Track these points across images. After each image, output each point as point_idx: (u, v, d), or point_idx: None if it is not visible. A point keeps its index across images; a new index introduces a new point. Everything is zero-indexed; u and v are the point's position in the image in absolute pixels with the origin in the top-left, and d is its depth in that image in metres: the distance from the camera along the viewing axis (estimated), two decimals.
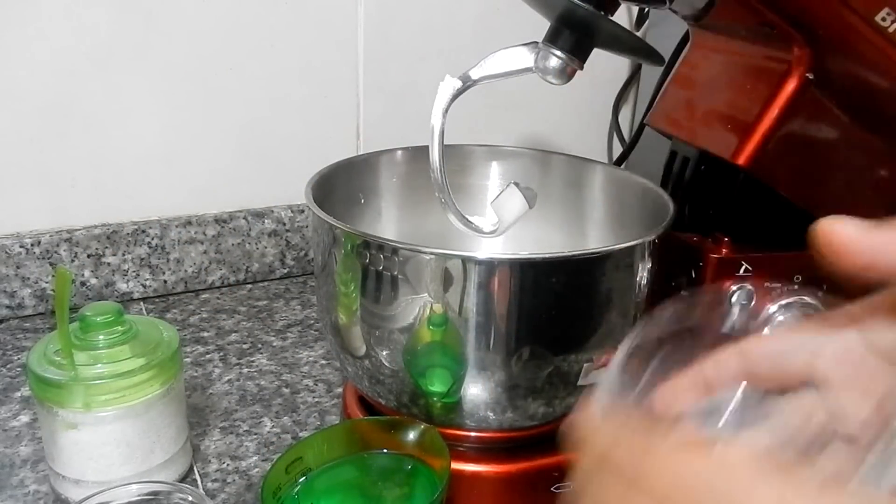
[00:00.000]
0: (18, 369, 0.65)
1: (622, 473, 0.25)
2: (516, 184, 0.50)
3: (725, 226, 0.53)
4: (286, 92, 0.81)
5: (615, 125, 0.97)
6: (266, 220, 0.83)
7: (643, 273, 0.46)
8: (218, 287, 0.82)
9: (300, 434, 0.58)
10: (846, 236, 0.26)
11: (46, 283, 0.74)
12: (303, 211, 0.84)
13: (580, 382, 0.46)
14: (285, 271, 0.86)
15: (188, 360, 0.68)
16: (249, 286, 0.84)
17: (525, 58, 0.47)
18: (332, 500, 0.43)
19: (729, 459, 0.23)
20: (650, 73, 0.90)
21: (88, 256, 0.75)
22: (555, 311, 0.44)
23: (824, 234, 0.26)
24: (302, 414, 0.61)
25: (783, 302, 0.50)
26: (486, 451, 0.50)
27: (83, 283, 0.76)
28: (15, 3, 0.68)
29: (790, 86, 0.48)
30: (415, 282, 0.44)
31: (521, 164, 0.64)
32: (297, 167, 0.80)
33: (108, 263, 0.76)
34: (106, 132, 0.74)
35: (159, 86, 0.75)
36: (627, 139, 0.94)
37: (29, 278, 0.73)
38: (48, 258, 0.74)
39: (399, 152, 0.62)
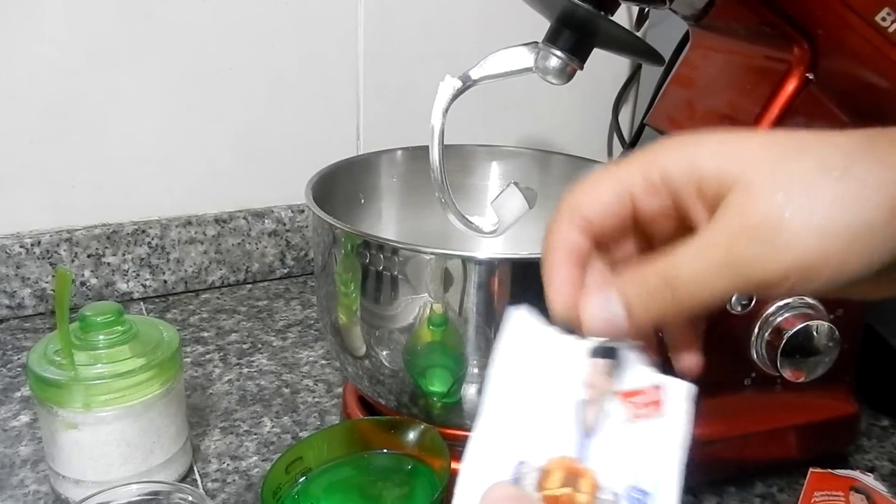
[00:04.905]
0: (18, 369, 0.65)
1: None
2: (516, 184, 0.50)
3: None
4: (286, 92, 0.81)
5: (615, 125, 0.97)
6: (266, 220, 0.83)
7: None
8: (218, 287, 0.82)
9: (300, 434, 0.58)
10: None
11: (46, 283, 0.74)
12: (303, 211, 0.84)
13: None
14: (285, 271, 0.86)
15: (188, 360, 0.68)
16: (249, 286, 0.84)
17: (525, 58, 0.47)
18: (331, 500, 0.43)
19: None
20: (650, 73, 0.90)
21: (88, 256, 0.75)
22: None
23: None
24: (302, 414, 0.61)
25: (781, 302, 0.50)
26: None
27: (83, 283, 0.76)
28: (15, 3, 0.68)
29: (790, 86, 0.48)
30: (415, 282, 0.44)
31: (521, 164, 0.64)
32: (297, 167, 0.80)
33: (108, 263, 0.76)
34: (106, 132, 0.74)
35: (159, 86, 0.75)
36: (627, 139, 0.94)
37: (29, 278, 0.73)
38: (48, 258, 0.74)
39: (399, 152, 0.62)
